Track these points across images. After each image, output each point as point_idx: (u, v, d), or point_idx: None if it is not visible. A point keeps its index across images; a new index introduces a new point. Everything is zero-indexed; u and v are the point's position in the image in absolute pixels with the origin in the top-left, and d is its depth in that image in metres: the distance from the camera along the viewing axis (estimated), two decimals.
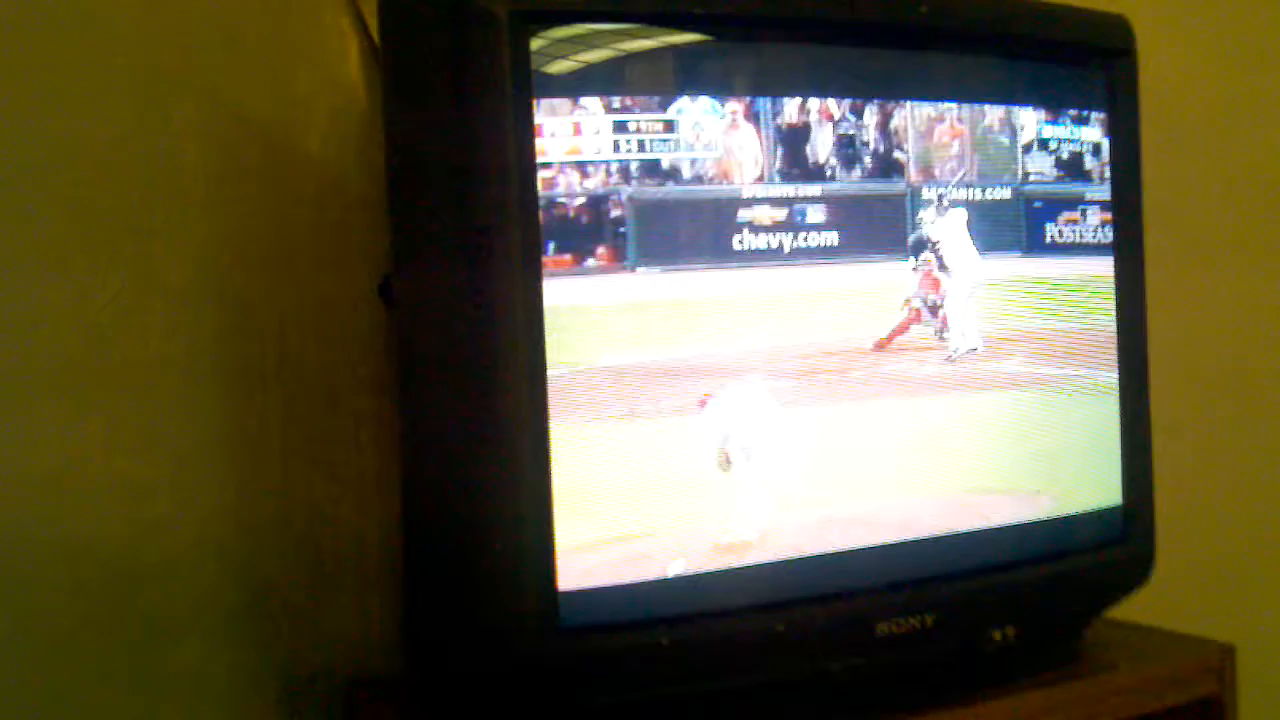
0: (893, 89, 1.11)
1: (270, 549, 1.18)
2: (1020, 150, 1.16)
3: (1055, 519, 1.18)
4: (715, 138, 1.02)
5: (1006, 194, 1.16)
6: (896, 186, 1.10)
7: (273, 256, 1.19)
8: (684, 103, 1.02)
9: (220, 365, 1.17)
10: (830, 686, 1.06)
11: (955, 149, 1.13)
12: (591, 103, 0.99)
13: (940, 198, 1.12)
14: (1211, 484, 1.61)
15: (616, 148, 0.99)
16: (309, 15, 1.21)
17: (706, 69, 1.05)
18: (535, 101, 0.96)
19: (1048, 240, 1.19)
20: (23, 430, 1.09)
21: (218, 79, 1.17)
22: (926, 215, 1.11)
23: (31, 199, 1.09)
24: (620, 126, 1.00)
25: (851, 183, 1.08)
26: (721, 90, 1.04)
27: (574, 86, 0.99)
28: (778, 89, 1.06)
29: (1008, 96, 1.17)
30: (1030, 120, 1.17)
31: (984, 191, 1.15)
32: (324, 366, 1.21)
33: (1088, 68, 1.21)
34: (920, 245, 1.12)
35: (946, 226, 1.12)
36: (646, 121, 1.01)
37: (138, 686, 1.14)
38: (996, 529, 1.15)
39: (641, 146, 1.00)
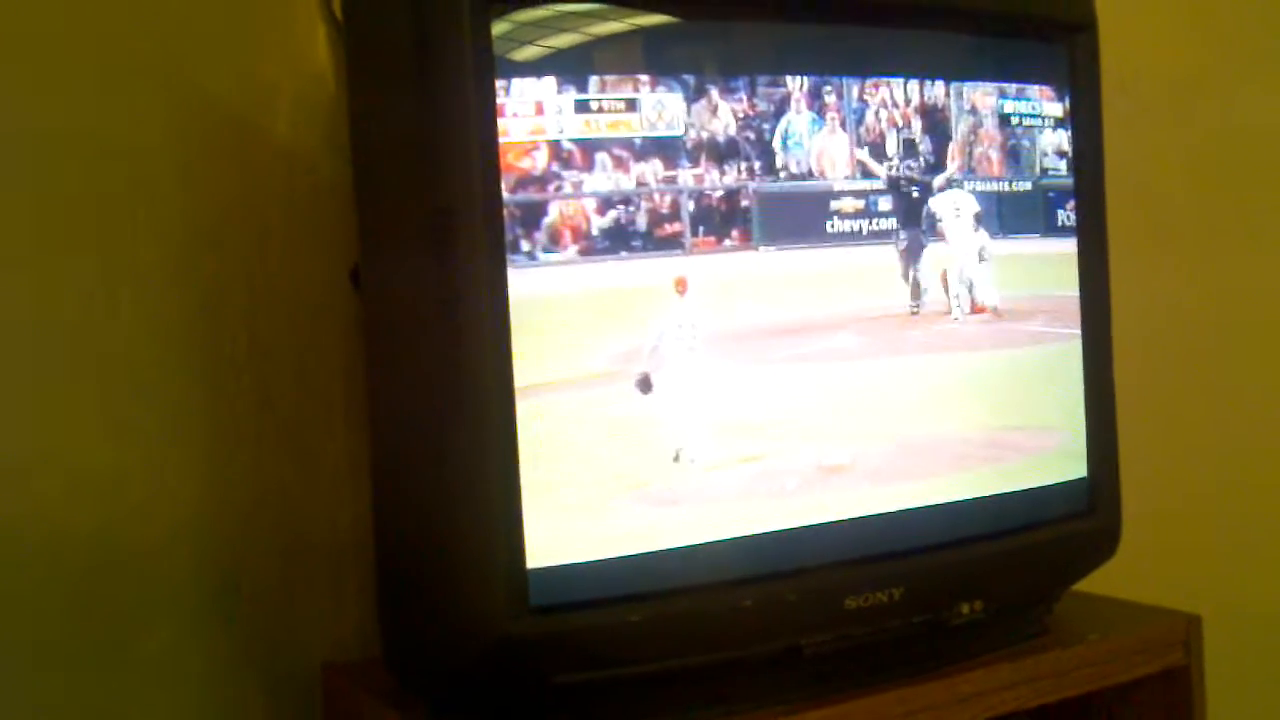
0: (855, 67, 1.12)
1: (244, 536, 1.18)
2: (1038, 149, 1.23)
3: (1021, 492, 1.19)
4: (805, 139, 1.09)
5: (1027, 185, 1.23)
6: (931, 179, 1.18)
7: (243, 243, 1.19)
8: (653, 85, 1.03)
9: (191, 352, 1.17)
10: (800, 661, 1.06)
11: (982, 146, 1.20)
12: (552, 83, 0.99)
13: (949, 184, 1.18)
14: (1177, 456, 1.62)
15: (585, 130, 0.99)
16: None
17: (673, 50, 1.06)
18: (499, 84, 0.95)
19: (1059, 224, 1.23)
20: None
21: (184, 65, 1.16)
22: (935, 201, 1.18)
23: None
24: (582, 106, 1.00)
25: (902, 177, 1.16)
26: (689, 71, 1.04)
27: (539, 68, 0.98)
28: (742, 69, 1.06)
29: (975, 75, 1.18)
30: (1050, 111, 1.23)
31: (1010, 184, 1.22)
32: (296, 353, 1.21)
33: (1050, 43, 1.22)
34: (930, 227, 1.17)
35: (947, 209, 1.18)
36: (610, 101, 1.01)
37: (113, 675, 1.14)
38: (963, 502, 1.15)
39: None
